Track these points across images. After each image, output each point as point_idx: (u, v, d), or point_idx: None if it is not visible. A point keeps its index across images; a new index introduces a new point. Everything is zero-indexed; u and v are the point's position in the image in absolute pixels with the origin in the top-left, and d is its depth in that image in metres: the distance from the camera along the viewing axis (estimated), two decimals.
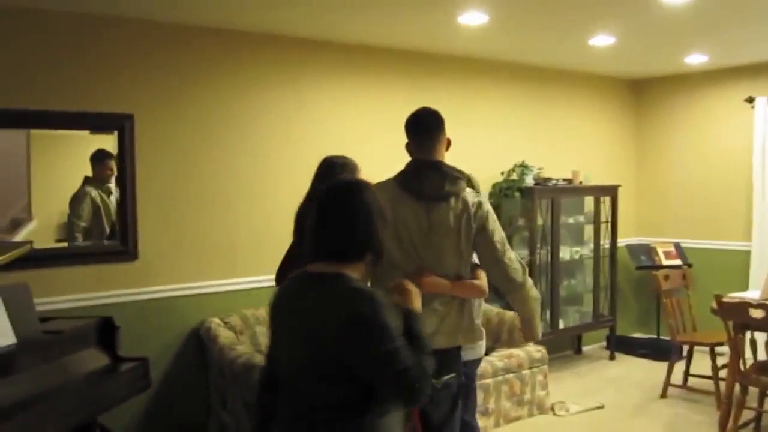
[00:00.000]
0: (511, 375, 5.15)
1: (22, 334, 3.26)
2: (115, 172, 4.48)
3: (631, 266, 7.13)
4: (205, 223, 4.80)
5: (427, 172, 2.98)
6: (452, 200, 2.96)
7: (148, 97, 4.55)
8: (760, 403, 4.84)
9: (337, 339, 1.97)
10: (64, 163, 4.40)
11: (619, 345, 6.99)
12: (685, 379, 5.83)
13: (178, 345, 4.69)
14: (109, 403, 3.59)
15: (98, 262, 4.40)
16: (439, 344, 2.79)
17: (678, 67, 6.82)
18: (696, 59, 6.38)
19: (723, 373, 5.20)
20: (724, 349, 5.27)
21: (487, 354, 4.80)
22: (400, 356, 1.95)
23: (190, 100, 4.72)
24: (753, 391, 4.71)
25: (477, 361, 3.34)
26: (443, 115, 3.14)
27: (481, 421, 4.22)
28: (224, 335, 4.51)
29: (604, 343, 7.16)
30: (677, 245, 7.07)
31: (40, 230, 4.25)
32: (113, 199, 4.49)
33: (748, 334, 4.64)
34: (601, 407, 5.47)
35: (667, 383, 5.69)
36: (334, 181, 2.32)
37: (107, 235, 4.49)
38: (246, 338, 4.65)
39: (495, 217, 3.04)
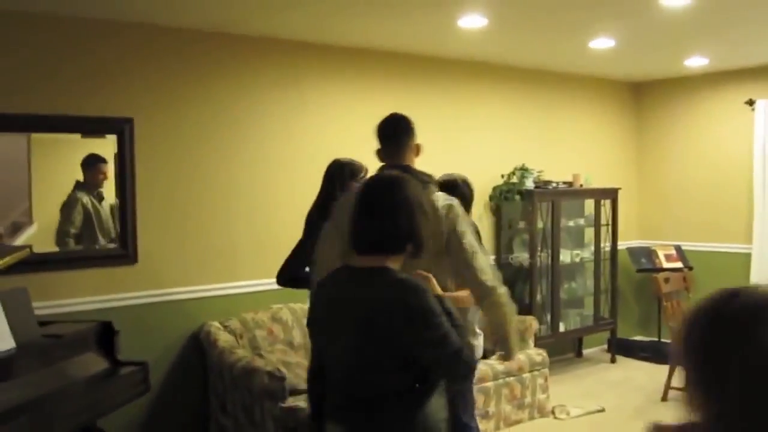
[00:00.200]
0: (511, 378, 5.14)
1: (22, 339, 3.26)
2: (108, 177, 4.46)
3: (631, 269, 7.12)
4: (205, 227, 4.80)
5: None
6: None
7: (147, 101, 4.55)
8: None
9: (392, 329, 2.07)
10: (65, 167, 4.39)
11: (620, 348, 6.98)
12: None
13: (178, 349, 4.69)
14: (109, 408, 3.57)
15: (98, 266, 4.39)
16: None
17: (678, 69, 6.82)
18: (696, 62, 6.38)
19: None
20: None
21: (486, 357, 4.80)
22: (452, 338, 2.09)
23: (191, 103, 4.72)
24: None
25: None
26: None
27: (481, 425, 4.21)
28: (224, 339, 4.50)
29: (605, 346, 7.14)
30: (678, 248, 7.06)
31: (40, 234, 4.24)
32: (105, 205, 4.46)
33: None
34: (602, 410, 5.46)
35: (668, 386, 5.68)
36: (376, 176, 2.38)
37: (111, 239, 4.46)
38: (245, 342, 4.64)
39: (468, 220, 2.96)
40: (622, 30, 5.06)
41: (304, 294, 3.28)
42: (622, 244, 7.04)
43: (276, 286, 3.88)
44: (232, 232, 4.90)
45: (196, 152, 4.75)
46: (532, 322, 5.57)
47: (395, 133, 2.97)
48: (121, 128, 4.44)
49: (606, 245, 6.81)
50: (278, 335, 4.77)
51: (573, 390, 5.97)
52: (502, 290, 2.81)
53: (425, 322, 2.07)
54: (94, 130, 4.41)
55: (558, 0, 4.21)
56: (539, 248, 6.22)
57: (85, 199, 4.40)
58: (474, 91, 6.19)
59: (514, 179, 6.21)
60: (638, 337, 7.35)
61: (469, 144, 6.09)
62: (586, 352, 7.11)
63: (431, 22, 4.69)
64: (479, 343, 3.51)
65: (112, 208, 4.49)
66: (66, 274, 4.27)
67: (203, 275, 4.79)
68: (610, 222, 6.80)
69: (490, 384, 4.97)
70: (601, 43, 5.43)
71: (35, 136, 4.24)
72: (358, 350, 2.14)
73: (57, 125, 4.26)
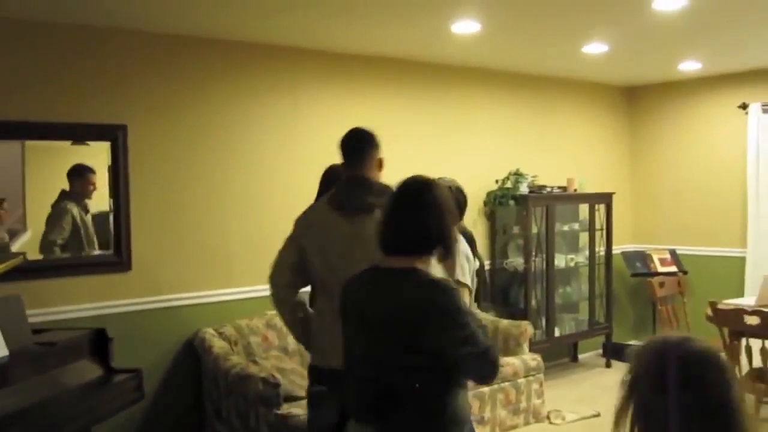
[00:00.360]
0: (506, 383, 5.14)
1: (15, 346, 3.25)
2: (97, 188, 4.43)
3: (626, 273, 7.13)
4: (200, 233, 4.79)
5: (353, 186, 2.95)
6: (377, 212, 2.83)
7: (141, 108, 4.54)
8: (757, 410, 4.83)
9: (422, 329, 2.11)
10: (60, 174, 4.37)
11: (615, 352, 6.97)
12: None
13: (172, 356, 4.68)
14: (103, 415, 3.57)
15: (92, 273, 4.38)
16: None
17: (672, 74, 6.84)
18: (689, 66, 6.40)
19: None
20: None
21: None
22: (480, 338, 2.14)
23: (185, 109, 4.72)
24: (749, 398, 4.70)
25: None
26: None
27: (477, 430, 4.20)
28: (218, 345, 4.49)
29: (600, 351, 7.14)
30: (672, 252, 7.08)
31: (34, 241, 4.24)
32: (88, 218, 4.43)
33: (744, 341, 4.63)
34: (598, 415, 5.45)
35: None
36: (407, 179, 2.38)
37: (95, 250, 4.44)
38: (240, 348, 4.63)
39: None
40: (616, 35, 5.08)
41: None
42: (616, 249, 7.05)
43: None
44: (227, 239, 4.89)
45: (190, 158, 4.75)
46: (527, 327, 5.56)
47: (358, 145, 2.99)
48: (115, 135, 4.43)
49: (601, 250, 6.82)
50: (273, 342, 4.77)
51: (568, 395, 5.96)
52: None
53: (455, 321, 2.12)
54: (88, 137, 4.40)
55: (551, 5, 4.22)
56: (534, 253, 6.22)
57: (75, 210, 4.37)
58: (468, 96, 6.20)
59: (509, 184, 6.22)
60: (633, 342, 7.34)
61: (463, 149, 6.10)
62: (581, 356, 7.11)
63: (425, 28, 4.70)
64: None
65: (94, 217, 4.45)
66: (60, 281, 4.25)
67: (198, 282, 4.78)
68: (604, 226, 6.81)
69: (485, 389, 4.96)
70: (595, 48, 5.44)
71: (29, 143, 4.23)
72: (386, 350, 2.18)
73: (50, 132, 4.25)
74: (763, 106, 6.58)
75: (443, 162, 5.64)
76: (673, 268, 6.89)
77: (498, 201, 6.18)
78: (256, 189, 5.01)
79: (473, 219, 6.10)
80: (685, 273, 6.78)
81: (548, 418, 5.41)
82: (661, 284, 5.89)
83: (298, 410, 3.90)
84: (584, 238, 6.85)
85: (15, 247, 4.16)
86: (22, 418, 3.02)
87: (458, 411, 2.23)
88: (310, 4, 4.06)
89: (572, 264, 6.68)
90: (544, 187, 6.34)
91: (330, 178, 3.64)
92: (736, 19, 4.65)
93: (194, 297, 4.76)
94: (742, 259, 6.71)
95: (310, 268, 2.96)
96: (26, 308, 3.49)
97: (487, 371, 2.22)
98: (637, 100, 7.61)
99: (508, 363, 5.19)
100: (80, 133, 4.37)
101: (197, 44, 4.75)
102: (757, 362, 4.80)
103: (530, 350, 5.56)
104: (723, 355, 1.55)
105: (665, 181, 7.41)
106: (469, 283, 3.00)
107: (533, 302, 6.22)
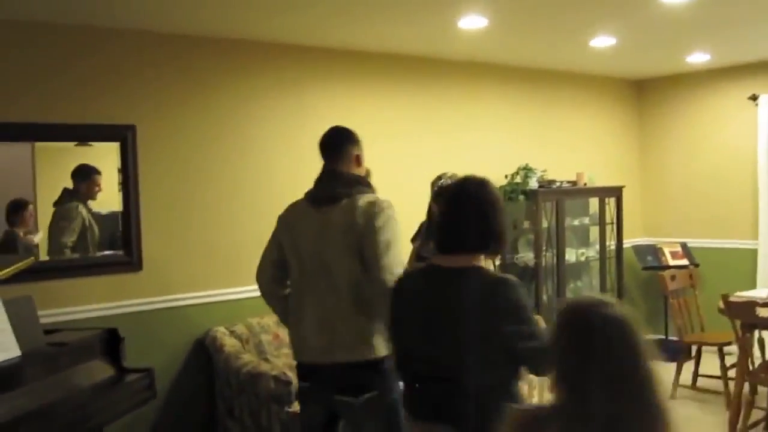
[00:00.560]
0: None
1: (27, 347, 3.26)
2: (102, 189, 4.45)
3: (637, 267, 7.10)
4: (210, 232, 4.80)
5: (325, 179, 3.02)
6: (344, 201, 2.90)
7: (149, 108, 4.55)
8: None
9: (498, 325, 2.16)
10: (69, 175, 4.39)
11: None
12: (694, 380, 5.80)
13: (184, 355, 4.69)
14: (115, 415, 3.57)
15: (103, 273, 4.40)
16: (343, 358, 2.84)
17: (680, 66, 6.80)
18: (698, 58, 6.36)
19: (732, 373, 5.17)
20: (733, 348, 5.23)
21: None
22: (542, 332, 2.20)
23: (192, 109, 4.73)
24: (762, 390, 4.68)
25: None
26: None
27: None
28: (230, 344, 4.50)
29: None
30: (684, 245, 7.04)
31: (42, 243, 4.26)
32: (93, 219, 4.44)
33: (756, 333, 4.61)
34: None
35: (675, 384, 5.66)
36: (462, 179, 2.43)
37: (102, 251, 4.46)
38: (251, 347, 4.64)
39: (394, 220, 2.86)
40: (623, 28, 5.05)
41: None
42: (627, 242, 7.02)
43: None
44: (237, 237, 4.90)
45: (198, 158, 4.76)
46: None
47: (334, 141, 3.06)
48: (124, 135, 4.45)
49: (611, 243, 6.79)
50: (284, 339, 4.76)
51: None
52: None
53: (524, 317, 2.19)
54: (97, 137, 4.42)
55: None
56: (544, 248, 6.20)
57: (84, 212, 4.39)
58: (475, 92, 6.19)
59: (518, 179, 6.20)
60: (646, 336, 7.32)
61: (471, 145, 6.08)
62: None
63: (431, 24, 4.69)
64: None
65: (104, 218, 4.46)
66: (71, 281, 4.27)
67: (208, 281, 4.79)
68: (615, 220, 6.78)
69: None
70: (602, 42, 5.42)
71: (39, 144, 4.26)
72: (457, 348, 2.21)
73: (60, 133, 4.27)
74: None
75: (452, 158, 5.63)
76: (685, 261, 6.85)
77: (507, 196, 6.16)
78: (265, 186, 5.01)
79: None
80: (697, 266, 6.75)
81: None
82: (673, 277, 5.87)
83: None
84: (595, 232, 6.82)
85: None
86: (35, 419, 3.03)
87: (518, 401, 2.28)
88: (316, 2, 4.06)
89: (583, 258, 6.66)
90: (553, 181, 6.32)
91: None
92: (744, 10, 4.62)
93: (205, 296, 4.77)
94: (754, 251, 6.68)
95: (288, 263, 3.04)
96: (38, 309, 3.51)
97: (546, 364, 2.24)
98: (645, 93, 7.58)
99: None
100: (90, 134, 4.39)
101: (204, 44, 4.75)
102: None
103: None
104: (634, 318, 1.63)
105: (675, 174, 7.38)
106: None
107: (544, 297, 6.20)
